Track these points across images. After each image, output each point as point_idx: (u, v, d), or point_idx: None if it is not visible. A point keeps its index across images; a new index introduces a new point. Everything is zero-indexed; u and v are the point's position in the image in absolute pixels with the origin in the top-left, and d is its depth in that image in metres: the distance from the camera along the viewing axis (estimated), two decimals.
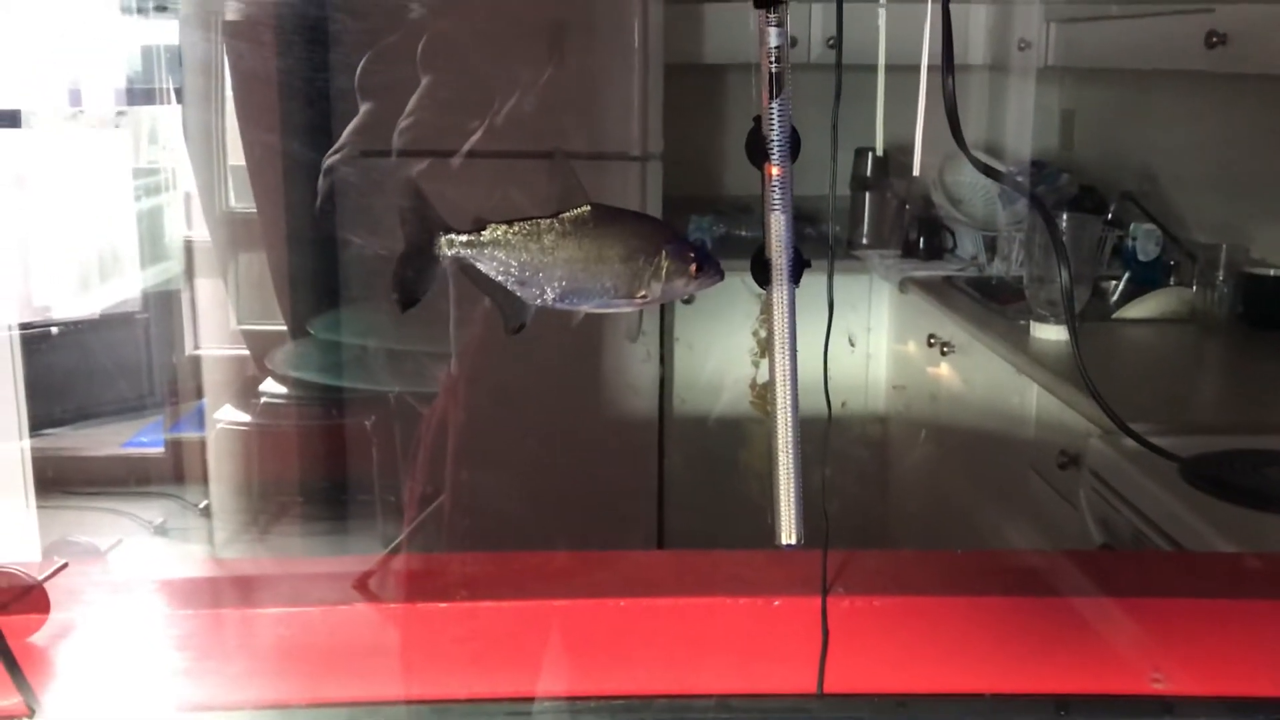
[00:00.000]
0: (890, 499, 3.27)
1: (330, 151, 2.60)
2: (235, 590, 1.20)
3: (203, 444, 3.42)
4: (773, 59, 0.92)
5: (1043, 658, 1.03)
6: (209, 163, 3.37)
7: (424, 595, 1.03)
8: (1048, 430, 2.25)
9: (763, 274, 0.95)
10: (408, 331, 2.68)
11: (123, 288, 3.91)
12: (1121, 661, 1.04)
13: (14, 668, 0.97)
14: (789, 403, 0.97)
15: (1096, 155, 3.26)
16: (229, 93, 3.21)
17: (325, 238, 3.15)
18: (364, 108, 2.56)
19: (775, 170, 0.93)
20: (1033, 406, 2.35)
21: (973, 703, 0.99)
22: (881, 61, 2.19)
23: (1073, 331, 1.86)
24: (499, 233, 0.90)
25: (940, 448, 2.88)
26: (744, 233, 3.25)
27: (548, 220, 0.90)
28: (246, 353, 3.46)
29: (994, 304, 2.73)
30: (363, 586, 1.12)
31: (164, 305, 3.77)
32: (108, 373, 3.87)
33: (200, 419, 3.47)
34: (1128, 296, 2.70)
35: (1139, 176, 3.01)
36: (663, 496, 3.09)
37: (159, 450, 3.67)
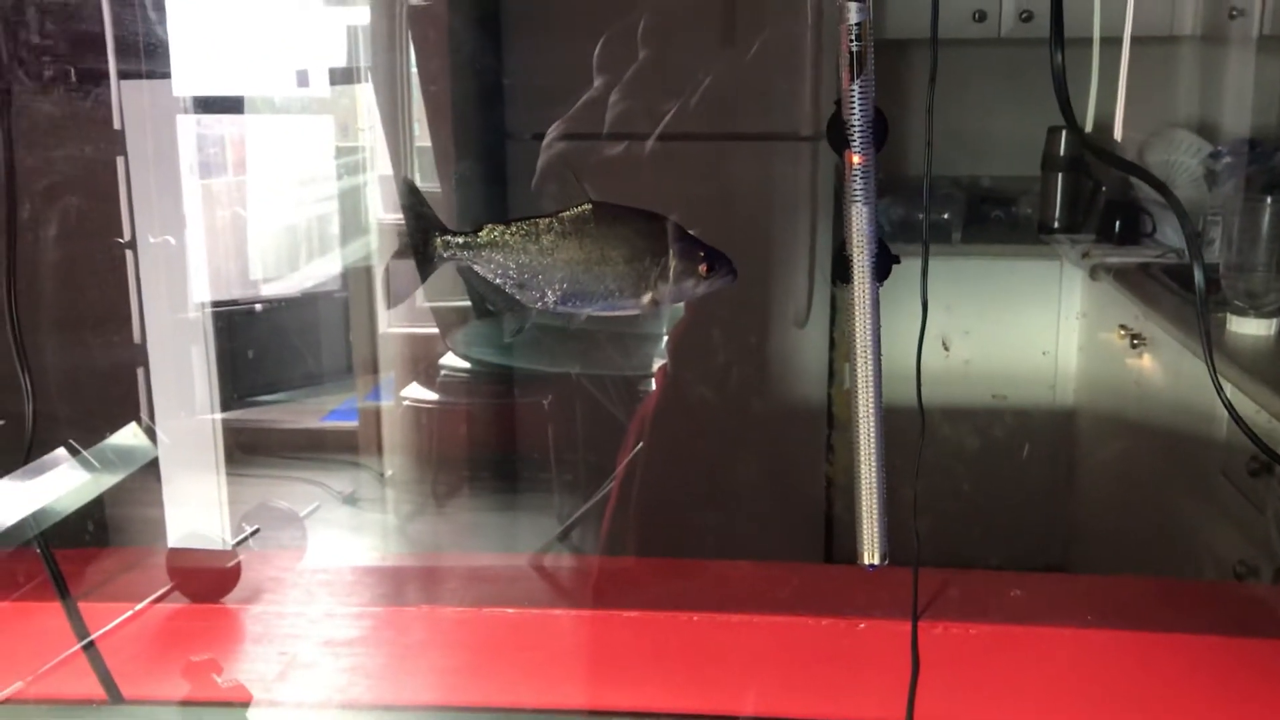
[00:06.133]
0: (1074, 498, 3.10)
1: (553, 128, 2.59)
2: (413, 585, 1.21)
3: (390, 418, 3.53)
4: (853, 36, 0.84)
5: (1156, 697, 0.93)
6: (397, 143, 3.45)
7: (485, 601, 1.00)
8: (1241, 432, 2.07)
9: (844, 271, 0.88)
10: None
11: (324, 266, 4.05)
12: (1254, 703, 0.93)
13: (96, 657, 0.99)
14: (872, 410, 0.89)
15: None
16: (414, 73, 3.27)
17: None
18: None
19: (857, 159, 0.86)
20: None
21: None
22: (1096, 35, 2.05)
23: (1205, 335, 1.67)
24: (495, 233, 0.87)
25: (1128, 446, 2.70)
26: (922, 215, 3.12)
27: (546, 220, 0.87)
28: (434, 330, 3.54)
29: (1190, 294, 2.53)
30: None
31: (360, 283, 3.89)
32: (306, 348, 4.04)
33: (389, 394, 3.58)
34: None
35: None
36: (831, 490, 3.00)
37: (353, 424, 3.80)
